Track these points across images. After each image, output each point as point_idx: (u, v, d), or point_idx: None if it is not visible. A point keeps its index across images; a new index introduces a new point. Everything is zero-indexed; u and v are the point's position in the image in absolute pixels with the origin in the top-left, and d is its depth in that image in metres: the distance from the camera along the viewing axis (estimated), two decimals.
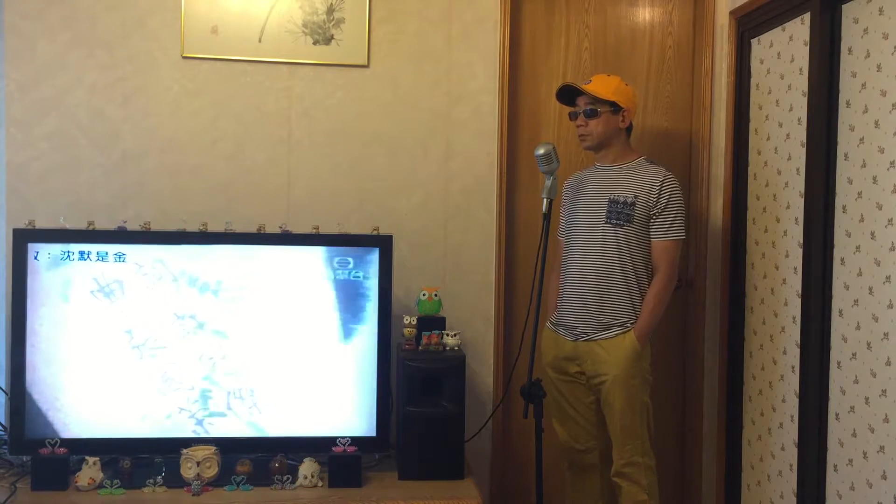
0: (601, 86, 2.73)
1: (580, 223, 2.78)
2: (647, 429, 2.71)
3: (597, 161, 2.84)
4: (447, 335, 2.83)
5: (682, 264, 3.30)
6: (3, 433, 2.82)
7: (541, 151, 2.60)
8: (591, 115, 2.73)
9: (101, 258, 2.71)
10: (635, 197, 2.69)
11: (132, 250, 2.73)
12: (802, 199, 2.67)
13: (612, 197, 2.72)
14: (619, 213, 2.69)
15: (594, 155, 2.84)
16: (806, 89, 2.65)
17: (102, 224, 2.83)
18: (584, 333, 2.72)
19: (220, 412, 2.76)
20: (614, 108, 2.73)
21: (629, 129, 2.80)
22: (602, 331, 2.70)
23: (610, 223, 2.69)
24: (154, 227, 2.83)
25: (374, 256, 2.80)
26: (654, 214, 2.69)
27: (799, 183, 2.69)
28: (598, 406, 2.78)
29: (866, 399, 2.35)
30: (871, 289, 2.34)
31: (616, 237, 2.69)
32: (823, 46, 2.55)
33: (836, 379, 2.50)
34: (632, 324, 2.69)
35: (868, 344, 2.35)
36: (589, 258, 2.73)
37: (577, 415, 2.81)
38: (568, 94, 2.80)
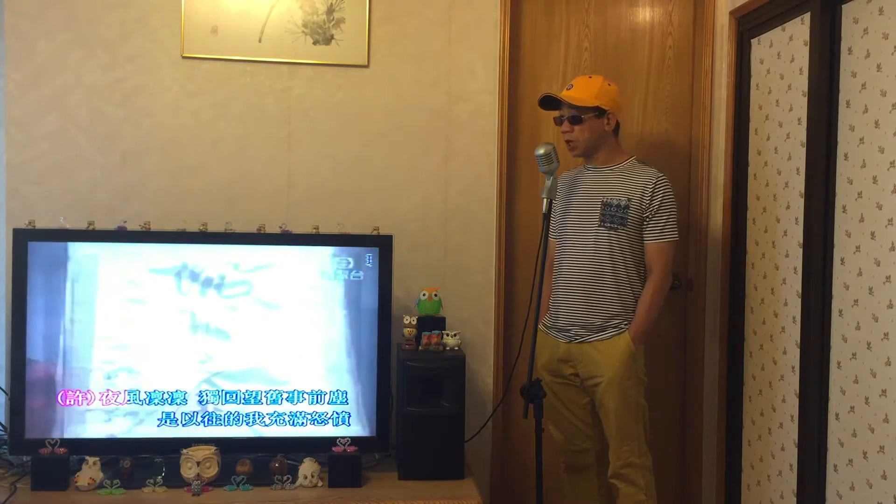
0: (583, 90, 2.69)
1: (572, 225, 2.77)
2: (642, 429, 2.71)
3: (587, 162, 2.83)
4: (447, 335, 2.83)
5: (682, 264, 3.31)
6: (2, 433, 2.82)
7: (541, 151, 2.60)
8: (576, 121, 2.71)
9: (99, 257, 2.71)
10: (629, 200, 2.68)
11: (132, 249, 2.73)
12: (802, 199, 2.67)
13: (605, 199, 2.71)
14: (614, 216, 2.68)
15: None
16: (806, 89, 2.65)
17: (102, 224, 2.83)
18: (578, 335, 2.72)
19: (219, 412, 2.76)
20: (598, 112, 2.70)
21: (617, 128, 2.77)
22: (596, 332, 2.69)
23: (604, 226, 2.69)
24: (154, 227, 2.83)
25: (374, 256, 2.80)
26: (647, 217, 2.68)
27: (799, 183, 2.69)
28: (593, 407, 2.78)
29: (866, 399, 2.35)
30: (871, 289, 2.34)
31: (609, 240, 2.68)
32: (823, 46, 2.55)
33: (836, 379, 2.50)
34: (626, 325, 2.68)
35: (868, 344, 2.35)
36: (582, 260, 2.72)
37: (572, 416, 2.81)
38: (551, 101, 2.78)
